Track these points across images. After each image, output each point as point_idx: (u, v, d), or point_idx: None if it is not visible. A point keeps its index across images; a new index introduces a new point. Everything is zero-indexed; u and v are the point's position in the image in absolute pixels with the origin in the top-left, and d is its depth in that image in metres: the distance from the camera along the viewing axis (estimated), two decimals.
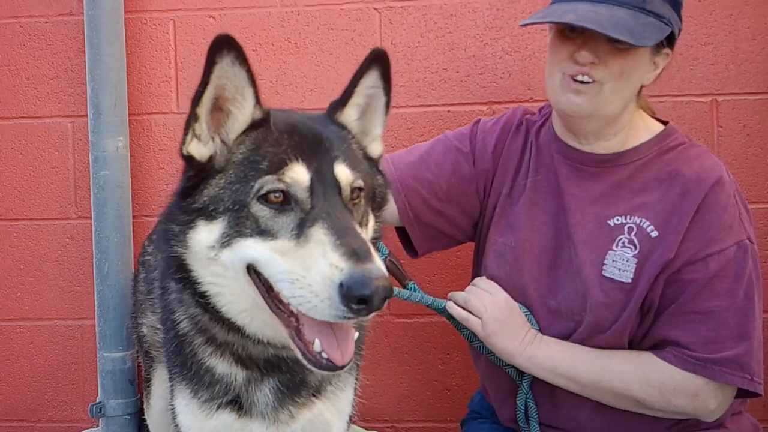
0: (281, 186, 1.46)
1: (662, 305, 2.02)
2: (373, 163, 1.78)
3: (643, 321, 2.06)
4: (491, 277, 2.20)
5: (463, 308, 2.13)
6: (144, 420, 2.88)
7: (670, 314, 2.01)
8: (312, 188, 1.47)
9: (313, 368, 1.46)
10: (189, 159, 1.58)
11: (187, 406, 1.78)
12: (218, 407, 1.74)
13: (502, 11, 2.82)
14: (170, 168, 3.00)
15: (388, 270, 2.15)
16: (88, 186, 2.97)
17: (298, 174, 1.47)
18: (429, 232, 2.35)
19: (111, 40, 2.90)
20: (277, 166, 1.47)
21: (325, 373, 1.53)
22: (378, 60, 1.65)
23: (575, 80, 2.01)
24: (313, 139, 1.54)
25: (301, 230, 1.42)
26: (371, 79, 1.69)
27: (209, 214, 1.50)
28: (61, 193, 3.06)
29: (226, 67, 1.48)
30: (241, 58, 1.49)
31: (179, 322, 1.72)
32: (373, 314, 1.34)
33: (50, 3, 3.04)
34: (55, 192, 3.06)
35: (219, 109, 1.56)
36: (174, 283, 1.67)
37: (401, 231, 2.38)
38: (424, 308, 2.76)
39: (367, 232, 1.61)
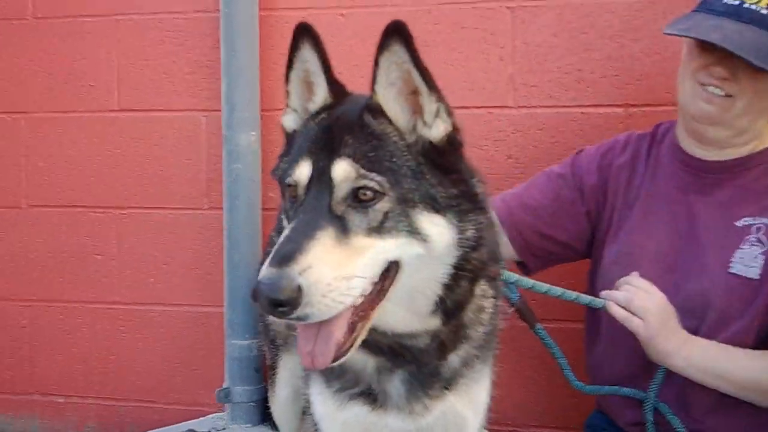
0: (292, 182, 1.48)
1: None
2: (437, 150, 1.54)
3: None
4: (610, 283, 2.20)
5: (623, 308, 2.11)
6: (268, 408, 2.98)
7: None
8: (308, 186, 1.45)
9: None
10: (284, 130, 1.70)
11: (321, 395, 1.79)
12: (350, 398, 1.73)
13: (641, 12, 2.73)
14: None
15: (519, 311, 2.15)
16: (220, 178, 3.07)
17: (302, 171, 1.47)
18: (540, 254, 2.43)
19: (246, 38, 2.98)
20: (295, 161, 1.50)
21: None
22: (397, 32, 1.45)
23: (707, 90, 2.05)
24: (333, 134, 1.50)
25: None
26: (396, 55, 1.47)
27: (282, 189, 1.59)
28: (194, 184, 3.17)
29: (305, 52, 1.58)
30: (317, 45, 1.56)
31: None
32: (291, 317, 1.32)
33: (188, 0, 3.14)
34: (188, 183, 3.18)
35: (312, 90, 1.64)
36: None
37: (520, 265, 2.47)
38: (549, 313, 2.76)
39: (382, 238, 1.43)
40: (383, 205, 1.43)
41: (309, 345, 1.43)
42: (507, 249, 2.36)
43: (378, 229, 1.43)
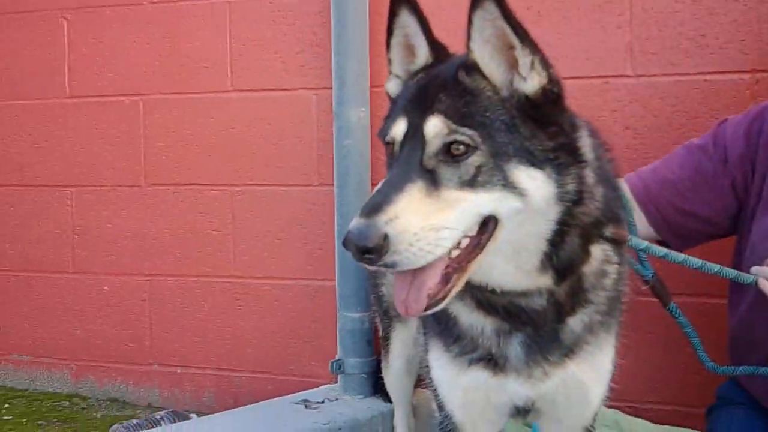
0: (390, 139, 1.53)
1: None
2: (533, 103, 1.51)
3: None
4: (761, 258, 2.06)
5: None
6: (380, 379, 3.02)
7: None
8: (403, 143, 1.49)
9: None
10: (389, 95, 1.71)
11: (439, 360, 1.78)
12: (470, 363, 1.72)
13: None
14: None
15: (653, 288, 2.08)
16: (330, 154, 3.12)
17: (399, 128, 1.50)
18: (681, 232, 2.30)
19: (356, 14, 3.01)
20: (392, 120, 1.55)
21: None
22: None
23: None
24: (427, 92, 1.52)
25: None
26: (488, 12, 1.46)
27: (386, 150, 1.61)
28: (305, 161, 3.24)
29: (404, 17, 1.62)
30: (416, 9, 1.60)
31: None
32: (378, 264, 1.35)
33: None
34: (299, 160, 3.25)
35: (413, 53, 1.67)
36: None
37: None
38: (673, 289, 2.67)
39: (474, 191, 1.43)
40: (475, 159, 1.44)
41: (403, 293, 1.47)
42: (645, 228, 2.26)
43: (471, 183, 1.44)
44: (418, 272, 1.44)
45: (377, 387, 3.08)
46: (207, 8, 3.36)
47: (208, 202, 3.40)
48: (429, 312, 1.49)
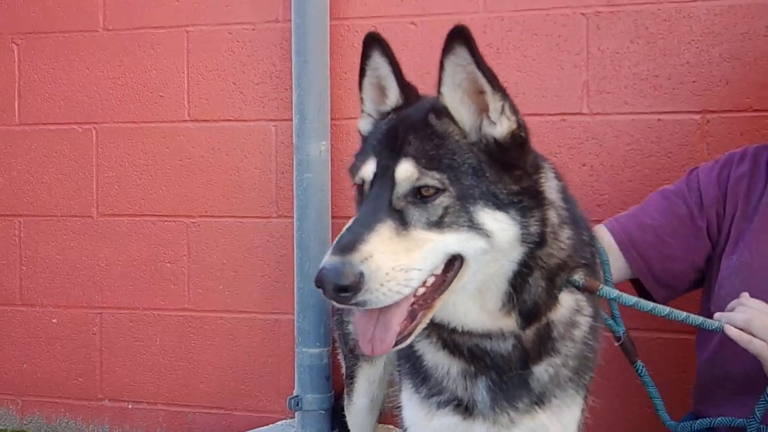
0: (359, 179, 1.57)
1: None
2: (501, 147, 1.55)
3: None
4: (728, 295, 2.12)
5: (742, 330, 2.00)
6: (337, 415, 2.99)
7: None
8: (372, 183, 1.53)
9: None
10: (360, 133, 1.76)
11: (410, 401, 1.80)
12: (438, 406, 1.73)
13: (721, 16, 2.69)
14: None
15: (623, 346, 2.08)
16: (289, 187, 3.11)
17: (368, 169, 1.54)
18: (665, 279, 2.33)
19: (317, 48, 3.00)
20: (363, 160, 1.59)
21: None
22: (459, 37, 1.48)
23: None
24: (397, 134, 1.56)
25: None
26: (460, 57, 1.50)
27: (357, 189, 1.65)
28: (264, 193, 3.20)
29: (376, 58, 1.65)
30: (387, 51, 1.63)
31: None
32: (351, 302, 1.39)
33: (258, 11, 3.18)
34: (258, 192, 3.21)
35: (385, 93, 1.71)
36: None
37: (635, 283, 2.38)
38: (635, 323, 2.70)
39: (441, 232, 1.47)
40: (443, 200, 1.49)
41: (368, 331, 1.49)
42: (624, 274, 2.30)
43: (438, 224, 1.48)
44: (383, 311, 1.46)
45: (335, 423, 3.04)
46: (164, 36, 3.32)
47: (163, 234, 3.33)
48: (395, 348, 1.51)
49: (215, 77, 3.25)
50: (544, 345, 1.68)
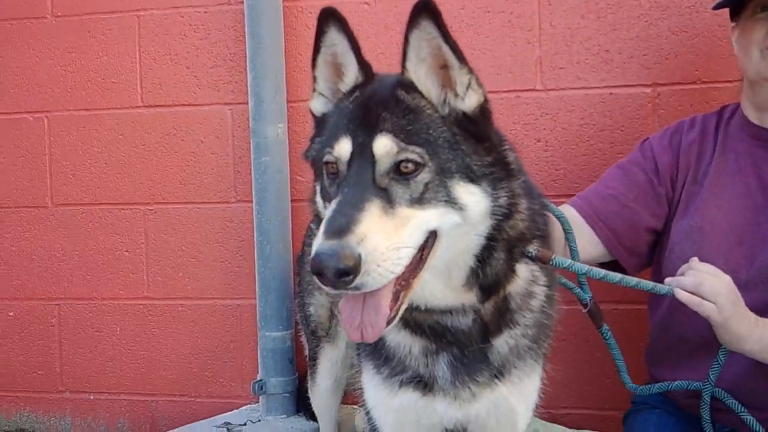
0: (332, 158, 1.51)
1: None
2: (470, 120, 1.55)
3: None
4: (679, 258, 2.16)
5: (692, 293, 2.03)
6: (302, 398, 2.99)
7: None
8: (350, 162, 1.48)
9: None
10: (313, 114, 1.72)
11: (371, 381, 1.80)
12: (401, 385, 1.74)
13: None
14: None
15: (590, 312, 2.11)
16: (247, 171, 3.08)
17: (343, 148, 1.49)
18: (632, 247, 2.37)
19: (271, 29, 2.98)
20: (334, 138, 1.53)
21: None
22: (425, 10, 1.48)
23: None
24: (370, 111, 1.53)
25: (330, 202, 1.47)
26: (425, 31, 1.50)
27: (316, 170, 1.63)
28: (221, 178, 3.18)
29: (332, 35, 1.59)
30: (344, 28, 1.58)
31: None
32: (350, 286, 1.33)
33: None
34: (216, 177, 3.18)
35: (341, 71, 1.66)
36: None
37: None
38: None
39: (423, 208, 1.46)
40: (424, 176, 1.47)
41: (356, 317, 1.45)
42: (597, 248, 2.33)
43: (419, 200, 1.46)
44: (371, 294, 1.43)
45: (300, 405, 3.04)
46: (115, 22, 3.26)
47: (119, 222, 3.29)
48: (386, 331, 1.47)
49: (168, 62, 3.21)
50: (503, 317, 1.69)
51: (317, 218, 1.68)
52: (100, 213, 3.31)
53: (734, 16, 2.27)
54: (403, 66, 1.55)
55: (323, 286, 1.37)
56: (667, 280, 2.06)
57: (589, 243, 2.28)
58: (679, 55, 2.74)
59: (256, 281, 3.04)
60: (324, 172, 1.56)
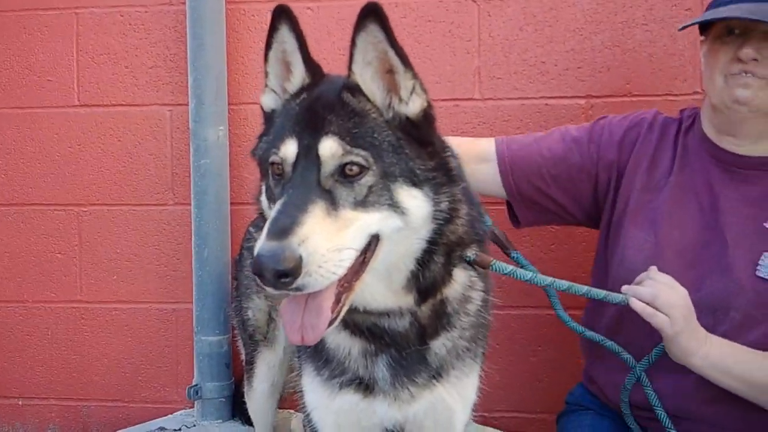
0: (277, 159, 1.52)
1: None
2: (413, 124, 1.58)
3: None
4: (631, 270, 2.15)
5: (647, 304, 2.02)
6: (237, 403, 2.96)
7: None
8: (295, 163, 1.50)
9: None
10: (263, 110, 1.72)
11: (311, 384, 1.81)
12: (341, 387, 1.75)
13: (603, 5, 2.82)
14: None
15: (493, 240, 2.09)
16: (186, 173, 3.05)
17: (288, 149, 1.51)
18: (532, 207, 2.41)
19: (213, 31, 2.96)
20: (280, 139, 1.54)
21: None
22: (373, 14, 1.52)
23: (741, 77, 2.04)
24: (316, 113, 1.55)
25: (275, 202, 1.49)
26: (372, 35, 1.53)
27: (262, 169, 1.64)
28: (159, 179, 3.13)
29: (284, 32, 1.61)
30: (295, 27, 1.61)
31: None
32: (290, 287, 1.35)
33: None
34: (153, 178, 3.14)
35: (290, 70, 1.67)
36: None
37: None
38: (515, 300, 2.81)
39: (366, 211, 1.48)
40: (368, 179, 1.49)
41: (296, 319, 1.46)
42: (498, 190, 2.37)
43: (363, 203, 1.48)
44: (313, 296, 1.44)
45: (235, 410, 3.02)
46: (52, 18, 3.19)
47: (52, 224, 3.21)
48: (326, 332, 1.48)
49: (106, 61, 3.15)
50: (440, 320, 1.72)
51: (262, 217, 1.69)
52: (32, 214, 3.23)
53: (703, 31, 2.24)
54: (350, 69, 1.57)
55: (264, 287, 1.37)
56: (624, 288, 2.06)
57: (493, 182, 2.35)
58: (611, 68, 2.83)
59: (193, 285, 3.01)
60: (270, 172, 1.56)
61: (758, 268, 2.08)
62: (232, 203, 3.04)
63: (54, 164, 3.20)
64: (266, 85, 1.71)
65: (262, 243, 1.36)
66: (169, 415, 3.10)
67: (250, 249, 2.54)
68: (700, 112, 2.29)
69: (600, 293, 2.06)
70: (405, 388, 1.73)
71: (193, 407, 3.08)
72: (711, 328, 2.06)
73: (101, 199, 3.17)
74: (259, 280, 1.36)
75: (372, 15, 1.50)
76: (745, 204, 2.14)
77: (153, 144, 3.13)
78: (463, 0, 2.90)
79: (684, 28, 2.20)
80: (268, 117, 1.71)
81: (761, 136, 2.15)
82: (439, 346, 1.74)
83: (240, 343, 2.72)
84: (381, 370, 1.72)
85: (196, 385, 2.98)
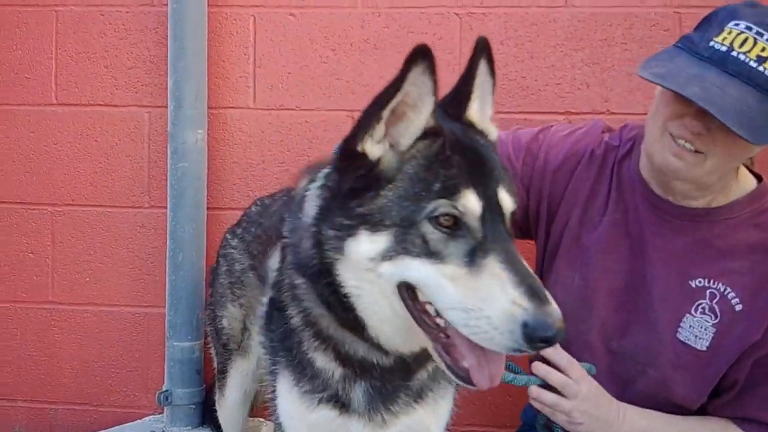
0: (455, 212, 1.44)
1: (750, 384, 2.02)
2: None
3: (724, 394, 2.07)
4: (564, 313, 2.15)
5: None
6: (207, 410, 2.94)
7: (762, 396, 2.02)
8: (483, 217, 1.45)
9: (458, 381, 1.51)
10: (360, 157, 1.51)
11: (289, 393, 1.80)
12: (319, 402, 1.75)
13: (584, 22, 2.84)
14: (244, 162, 3.04)
15: None
16: (163, 176, 3.03)
17: (471, 202, 1.45)
18: None
19: (194, 34, 2.94)
20: (451, 192, 1.45)
21: (465, 386, 1.53)
22: (485, 49, 1.62)
23: (678, 143, 1.89)
24: (480, 162, 1.52)
25: (472, 259, 1.41)
26: (483, 68, 1.62)
27: (375, 225, 1.46)
28: (135, 182, 3.10)
29: (417, 75, 1.47)
30: (432, 69, 1.49)
31: (292, 317, 1.73)
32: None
33: None
34: (129, 180, 3.11)
35: (394, 113, 1.52)
36: (307, 281, 1.64)
37: None
38: None
39: None
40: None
41: (485, 369, 1.49)
42: None
43: None
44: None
45: (205, 417, 2.99)
46: (31, 15, 3.15)
47: (25, 223, 3.16)
48: None
49: (85, 60, 3.12)
50: (424, 355, 1.70)
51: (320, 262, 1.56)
52: (4, 212, 3.18)
53: None
54: (467, 109, 1.65)
55: (519, 348, 1.37)
56: (534, 365, 2.09)
57: None
58: (590, 86, 2.85)
59: (166, 289, 2.98)
60: (427, 228, 1.43)
61: (679, 330, 2.03)
62: (209, 208, 3.02)
63: (29, 162, 3.16)
64: (372, 130, 1.50)
65: (539, 308, 1.37)
66: (138, 421, 3.06)
67: (226, 256, 2.54)
68: (642, 144, 2.10)
69: (522, 379, 2.10)
70: (379, 414, 1.74)
71: (162, 413, 3.05)
72: (632, 380, 2.08)
73: (76, 200, 3.14)
74: (538, 344, 1.37)
75: (485, 51, 1.63)
76: (672, 256, 2.06)
77: (130, 145, 3.10)
78: (446, 13, 2.91)
79: (644, 78, 1.90)
80: (376, 167, 1.51)
81: (686, 196, 2.05)
82: (422, 372, 1.76)
83: (213, 351, 2.69)
84: (357, 394, 1.73)
85: (167, 390, 2.95)
